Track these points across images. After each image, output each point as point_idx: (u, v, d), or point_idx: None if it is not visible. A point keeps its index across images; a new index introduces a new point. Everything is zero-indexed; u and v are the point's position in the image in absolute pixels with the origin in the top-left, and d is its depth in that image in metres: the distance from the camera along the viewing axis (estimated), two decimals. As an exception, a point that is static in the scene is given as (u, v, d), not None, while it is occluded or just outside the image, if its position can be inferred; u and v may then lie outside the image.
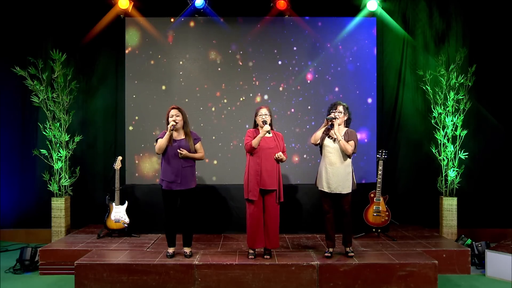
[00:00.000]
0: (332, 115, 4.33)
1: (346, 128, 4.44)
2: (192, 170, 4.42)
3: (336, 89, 5.90)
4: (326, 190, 4.33)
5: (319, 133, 4.39)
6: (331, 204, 4.39)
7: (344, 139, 4.30)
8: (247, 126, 5.57)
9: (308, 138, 5.81)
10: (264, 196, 4.33)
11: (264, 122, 4.27)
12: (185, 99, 5.85)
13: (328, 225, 4.41)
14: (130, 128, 5.85)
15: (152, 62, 5.87)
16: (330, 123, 4.31)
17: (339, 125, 4.35)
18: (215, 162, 5.85)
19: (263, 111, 4.35)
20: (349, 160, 4.37)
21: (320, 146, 4.43)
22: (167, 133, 4.27)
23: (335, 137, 4.31)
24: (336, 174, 4.30)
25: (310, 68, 5.90)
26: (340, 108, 4.37)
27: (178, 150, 4.26)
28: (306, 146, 5.88)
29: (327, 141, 4.37)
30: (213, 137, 5.86)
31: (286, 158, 4.43)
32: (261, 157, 4.28)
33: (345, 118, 4.40)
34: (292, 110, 5.91)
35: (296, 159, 5.89)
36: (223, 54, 5.89)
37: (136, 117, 5.86)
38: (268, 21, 5.85)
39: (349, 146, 4.30)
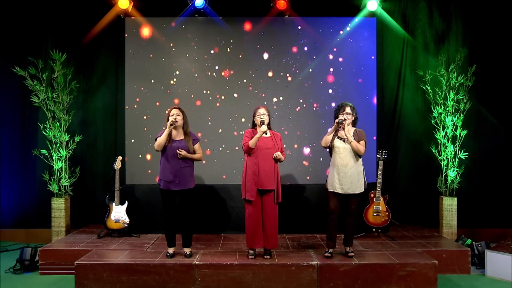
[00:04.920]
0: (341, 117, 4.32)
1: (354, 128, 4.42)
2: (190, 170, 4.42)
3: (336, 89, 5.90)
4: (339, 191, 4.29)
5: (329, 137, 4.36)
6: (338, 204, 4.36)
7: (354, 139, 4.30)
8: (247, 126, 5.57)
9: (310, 137, 5.87)
10: (262, 196, 4.32)
11: (262, 122, 4.26)
12: (184, 98, 5.85)
13: (331, 226, 4.39)
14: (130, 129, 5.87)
15: (152, 62, 5.86)
16: (340, 125, 4.30)
17: (347, 125, 4.35)
18: (215, 162, 5.86)
19: (261, 111, 4.34)
20: (360, 160, 4.36)
21: (329, 147, 4.40)
22: (167, 129, 4.27)
23: (346, 138, 4.30)
24: (349, 175, 4.28)
25: (310, 68, 5.90)
26: (348, 109, 4.35)
27: (178, 151, 4.27)
28: (308, 146, 5.88)
29: (337, 142, 4.35)
30: (213, 138, 5.87)
31: (285, 158, 4.42)
32: (259, 157, 4.27)
33: (353, 118, 4.39)
34: (292, 110, 5.91)
35: (296, 158, 5.90)
36: (223, 54, 5.89)
37: (136, 117, 5.86)
38: (268, 21, 5.85)
39: (361, 146, 4.30)
